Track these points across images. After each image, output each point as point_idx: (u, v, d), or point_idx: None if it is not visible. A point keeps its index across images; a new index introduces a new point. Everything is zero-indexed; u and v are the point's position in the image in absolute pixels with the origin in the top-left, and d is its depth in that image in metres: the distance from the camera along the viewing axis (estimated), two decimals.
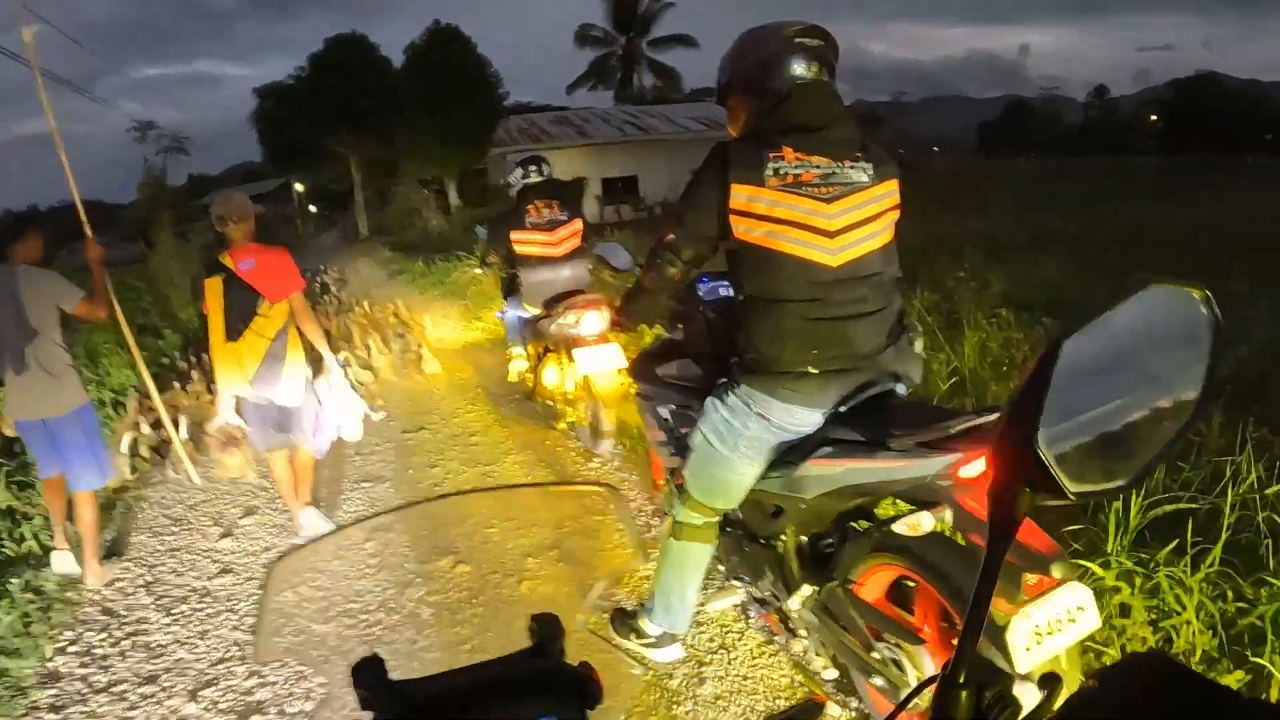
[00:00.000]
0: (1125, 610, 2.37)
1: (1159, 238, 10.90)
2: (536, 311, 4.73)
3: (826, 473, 1.95)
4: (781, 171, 1.89)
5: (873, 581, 2.12)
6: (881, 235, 2.01)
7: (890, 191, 2.01)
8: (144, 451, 5.08)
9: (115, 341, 6.66)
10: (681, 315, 2.71)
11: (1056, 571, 1.57)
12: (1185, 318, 0.65)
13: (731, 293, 2.28)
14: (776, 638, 2.59)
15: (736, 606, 2.80)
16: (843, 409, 1.98)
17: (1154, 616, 2.35)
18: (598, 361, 4.09)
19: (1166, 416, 0.64)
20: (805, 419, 1.99)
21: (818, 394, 1.96)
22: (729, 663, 2.60)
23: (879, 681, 2.00)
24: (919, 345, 2.17)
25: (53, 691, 2.79)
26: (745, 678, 2.53)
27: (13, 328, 3.31)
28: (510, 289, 5.18)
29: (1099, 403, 0.62)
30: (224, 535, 3.96)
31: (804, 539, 2.24)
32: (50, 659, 2.99)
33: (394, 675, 0.80)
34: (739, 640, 2.71)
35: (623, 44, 43.14)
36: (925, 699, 1.86)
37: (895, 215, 2.05)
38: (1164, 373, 0.65)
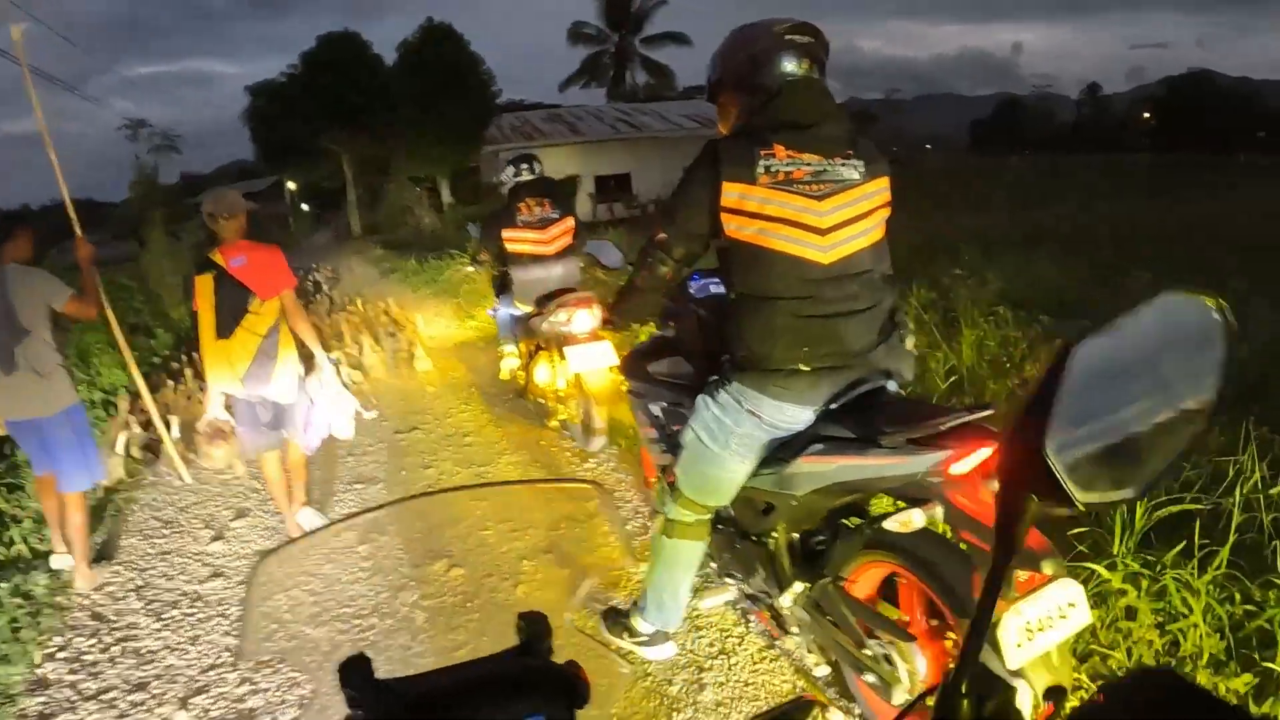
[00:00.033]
0: (1131, 613, 2.35)
1: (1152, 235, 10.92)
2: (528, 309, 4.73)
3: (818, 470, 1.95)
4: (773, 169, 1.89)
5: (864, 578, 2.13)
6: (873, 232, 2.01)
7: (881, 189, 2.01)
8: (135, 452, 5.06)
9: (106, 341, 6.62)
10: (673, 312, 2.71)
11: (1047, 568, 1.57)
12: (1199, 327, 0.63)
13: (723, 290, 2.28)
14: (776, 642, 2.56)
15: (730, 605, 2.79)
16: (834, 406, 1.98)
17: (1161, 620, 2.32)
18: (589, 359, 4.09)
19: (1177, 427, 0.63)
20: (796, 416, 1.99)
21: (809, 391, 1.96)
22: (729, 668, 2.56)
23: (871, 678, 1.99)
24: (910, 342, 2.18)
25: (41, 699, 2.75)
26: (747, 683, 2.48)
27: (2, 327, 3.29)
28: (502, 287, 5.18)
29: (1109, 411, 0.61)
30: (215, 538, 3.92)
31: (795, 536, 2.24)
32: (39, 665, 2.95)
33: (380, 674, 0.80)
34: (739, 645, 2.66)
35: (615, 41, 43.12)
36: (916, 694, 1.85)
37: (886, 212, 2.05)
38: (1175, 382, 0.64)
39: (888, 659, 1.94)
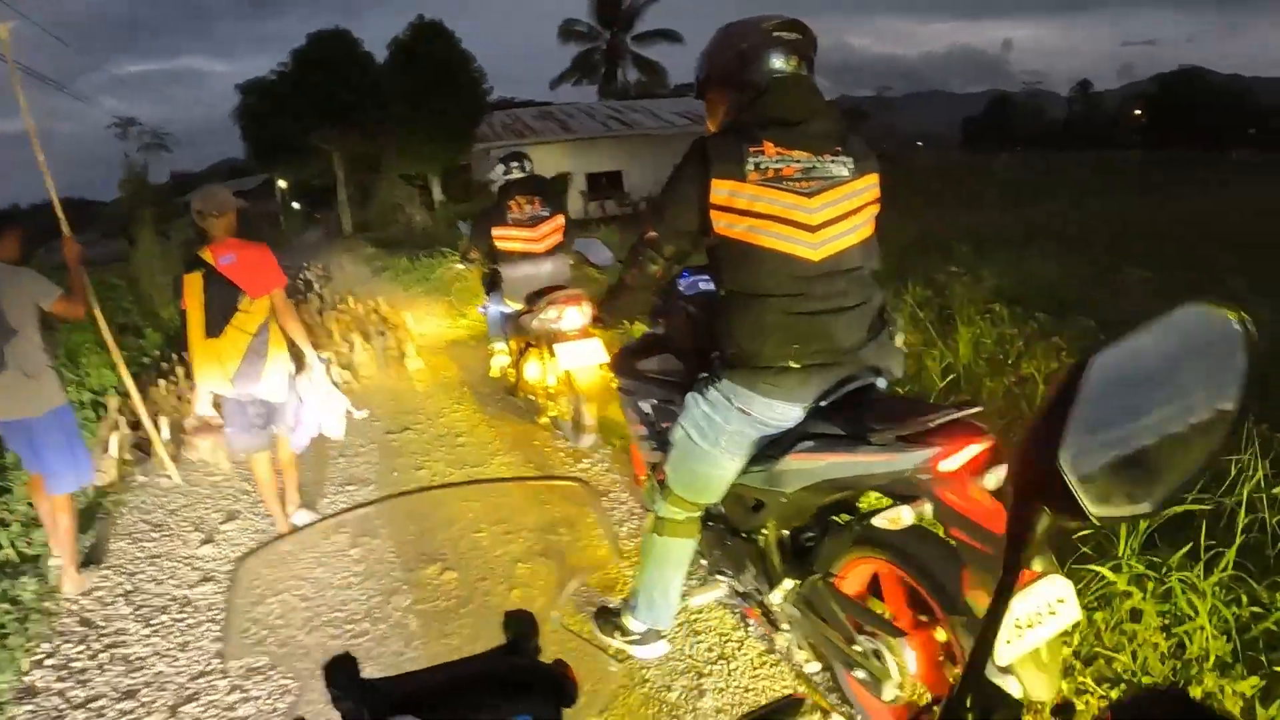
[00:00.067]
0: (1136, 615, 2.32)
1: (1144, 232, 10.96)
2: (518, 307, 4.72)
3: (807, 467, 1.95)
4: (762, 166, 1.88)
5: (854, 575, 2.13)
6: (862, 229, 2.01)
7: (870, 185, 2.01)
8: (126, 454, 5.02)
9: (95, 341, 6.57)
10: (662, 310, 2.71)
11: (1037, 564, 1.57)
12: (1219, 340, 0.62)
13: (712, 287, 2.27)
14: (777, 648, 2.54)
15: (720, 602, 2.78)
16: (824, 403, 1.99)
17: (1166, 622, 2.30)
18: (579, 356, 4.09)
19: (1194, 441, 0.62)
20: (786, 414, 1.99)
21: (799, 389, 1.96)
22: (729, 674, 2.52)
23: (861, 674, 2.00)
24: (900, 339, 2.18)
25: (29, 707, 2.71)
26: (747, 689, 2.44)
27: None
28: (492, 284, 5.17)
29: (1126, 423, 0.60)
30: (205, 541, 3.89)
31: (785, 533, 2.25)
32: (27, 673, 2.91)
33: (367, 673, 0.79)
34: (739, 650, 2.62)
35: (607, 39, 43.01)
36: (908, 691, 1.85)
37: (875, 209, 2.05)
38: (1194, 395, 0.62)
39: (877, 655, 1.94)
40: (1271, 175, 23.57)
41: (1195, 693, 2.05)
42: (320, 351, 4.46)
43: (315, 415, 3.90)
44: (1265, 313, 4.96)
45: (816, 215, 1.90)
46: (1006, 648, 1.51)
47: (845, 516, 2.12)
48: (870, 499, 2.33)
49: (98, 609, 3.33)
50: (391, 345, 7.29)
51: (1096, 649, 2.29)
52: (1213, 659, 2.17)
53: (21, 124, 4.16)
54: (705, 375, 2.14)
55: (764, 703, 1.21)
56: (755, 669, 2.53)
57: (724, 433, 2.05)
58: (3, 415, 3.38)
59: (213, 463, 4.61)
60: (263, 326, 3.49)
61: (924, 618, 1.95)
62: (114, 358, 4.64)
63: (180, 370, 6.38)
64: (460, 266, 6.05)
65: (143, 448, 5.08)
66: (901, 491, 1.83)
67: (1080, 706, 2.12)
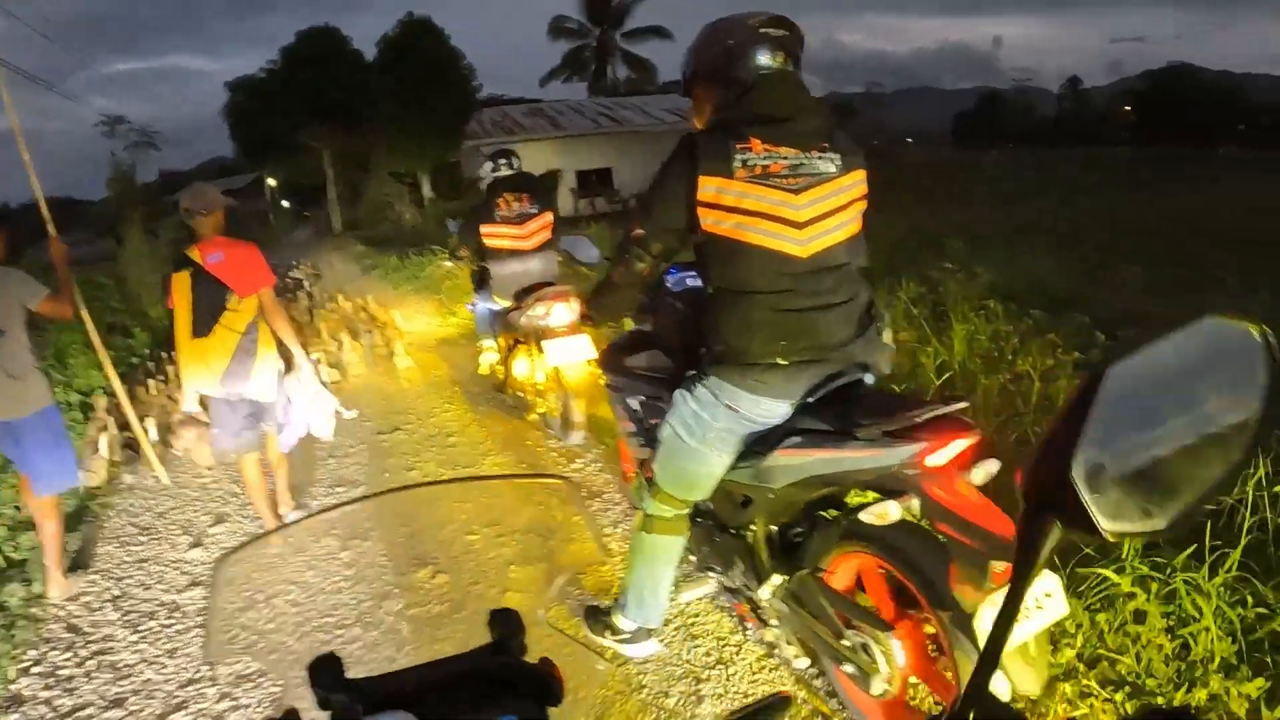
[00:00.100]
0: (1140, 617, 2.29)
1: (1132, 229, 11.00)
2: (507, 304, 4.72)
3: (794, 463, 1.95)
4: (750, 163, 1.88)
5: (842, 570, 2.14)
6: (849, 226, 2.01)
7: (857, 182, 2.01)
8: (116, 455, 4.99)
9: (83, 341, 6.53)
10: (650, 307, 2.71)
11: None
12: (1239, 354, 0.61)
13: (700, 284, 2.27)
14: (777, 652, 2.52)
15: (709, 598, 2.78)
16: (811, 399, 1.99)
17: (1170, 624, 2.28)
18: (568, 353, 4.08)
19: (1211, 457, 0.60)
20: (774, 410, 1.99)
21: (786, 385, 1.96)
22: (728, 678, 2.48)
23: (849, 669, 2.00)
24: (887, 335, 2.18)
25: (15, 716, 2.68)
26: (746, 694, 2.40)
27: None
28: (481, 282, 5.17)
29: (1141, 437, 0.59)
30: (194, 545, 3.85)
31: (773, 528, 2.25)
32: (13, 680, 2.87)
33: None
34: (737, 654, 2.58)
35: (597, 36, 43.00)
36: (896, 685, 1.84)
37: (863, 206, 2.05)
38: (1212, 410, 0.61)
39: (865, 649, 1.95)
40: (1261, 172, 23.69)
41: (1200, 695, 2.05)
42: (310, 351, 4.44)
43: (304, 415, 3.88)
44: (1259, 309, 5.01)
45: (804, 212, 1.90)
46: None
47: (833, 512, 2.12)
48: (858, 495, 2.33)
49: (85, 615, 3.29)
50: (379, 343, 7.26)
51: (1100, 651, 2.27)
52: (1218, 661, 2.15)
53: (6, 122, 4.13)
54: (693, 372, 2.14)
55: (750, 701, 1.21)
56: (754, 673, 2.50)
57: (712, 429, 2.05)
58: None
59: (196, 457, 4.57)
60: (251, 325, 3.47)
61: (911, 612, 1.95)
62: (101, 358, 4.61)
63: (170, 370, 6.32)
64: (449, 264, 6.03)
65: (132, 448, 5.04)
66: (889, 486, 1.83)
67: (1084, 711, 2.12)
